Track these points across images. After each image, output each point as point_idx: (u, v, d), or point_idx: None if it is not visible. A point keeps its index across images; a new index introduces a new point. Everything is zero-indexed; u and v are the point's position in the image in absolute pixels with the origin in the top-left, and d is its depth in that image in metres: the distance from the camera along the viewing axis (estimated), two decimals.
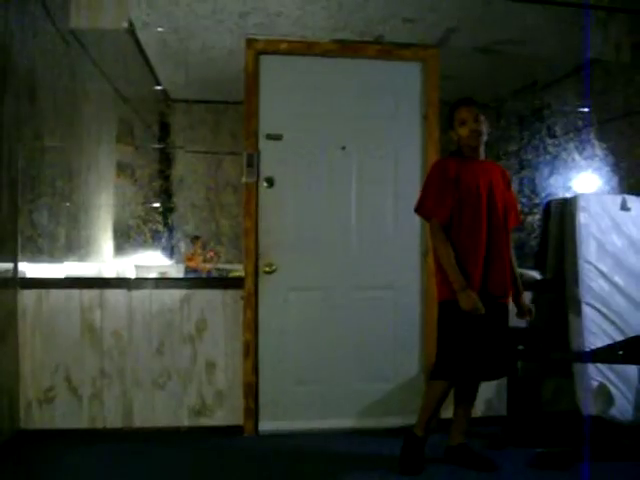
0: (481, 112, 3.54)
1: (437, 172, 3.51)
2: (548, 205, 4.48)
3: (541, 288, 4.41)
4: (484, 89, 4.43)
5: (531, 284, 4.39)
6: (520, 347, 4.02)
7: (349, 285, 4.25)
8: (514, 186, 4.38)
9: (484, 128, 3.52)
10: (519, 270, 3.75)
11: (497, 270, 3.45)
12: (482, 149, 3.55)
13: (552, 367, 4.40)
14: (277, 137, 4.16)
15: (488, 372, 3.51)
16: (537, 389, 4.38)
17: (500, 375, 3.64)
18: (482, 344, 3.41)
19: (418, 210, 3.56)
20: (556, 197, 4.48)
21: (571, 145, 4.53)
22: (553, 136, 4.50)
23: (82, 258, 4.13)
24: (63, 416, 4.04)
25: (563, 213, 4.38)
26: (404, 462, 3.50)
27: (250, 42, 4.13)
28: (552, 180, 4.50)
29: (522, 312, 3.65)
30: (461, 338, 3.41)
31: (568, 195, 4.46)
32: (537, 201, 4.48)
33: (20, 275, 4.00)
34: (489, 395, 4.31)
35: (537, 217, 4.47)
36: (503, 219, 3.50)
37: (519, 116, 4.49)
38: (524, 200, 4.44)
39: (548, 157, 4.50)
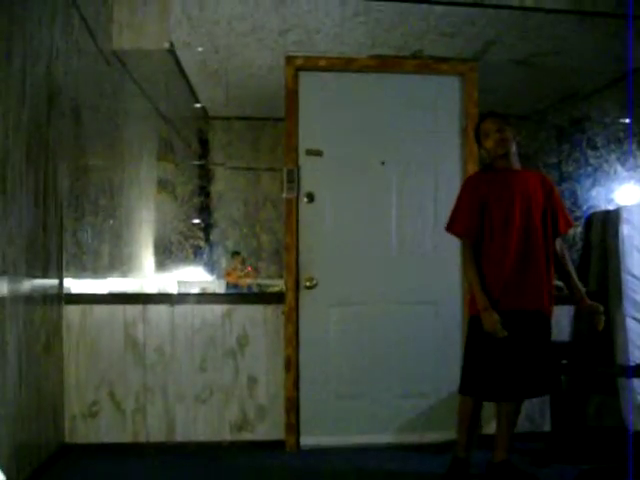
0: (506, 123, 3.49)
1: (465, 189, 3.53)
2: (590, 217, 4.43)
3: None
4: (523, 102, 4.43)
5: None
6: (564, 362, 3.98)
7: (390, 300, 4.24)
8: None
9: (510, 136, 3.48)
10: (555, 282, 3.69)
11: (532, 284, 3.38)
12: (514, 159, 3.51)
13: (596, 382, 4.33)
14: (317, 152, 4.18)
15: (519, 390, 3.42)
16: (581, 405, 4.31)
17: (537, 392, 3.55)
18: (508, 362, 3.35)
19: (448, 229, 3.58)
20: (598, 209, 4.43)
21: (613, 156, 4.48)
22: (594, 148, 4.45)
23: (125, 274, 4.19)
24: (107, 430, 4.08)
25: (605, 225, 4.33)
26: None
27: (289, 59, 4.17)
28: (594, 192, 4.45)
29: (592, 314, 3.54)
30: (485, 354, 3.38)
31: (610, 207, 4.41)
32: (579, 213, 4.43)
33: (65, 291, 4.07)
34: (532, 411, 4.26)
35: (579, 230, 4.42)
36: (542, 229, 3.44)
37: (559, 128, 4.46)
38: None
39: (589, 169, 4.45)
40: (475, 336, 3.43)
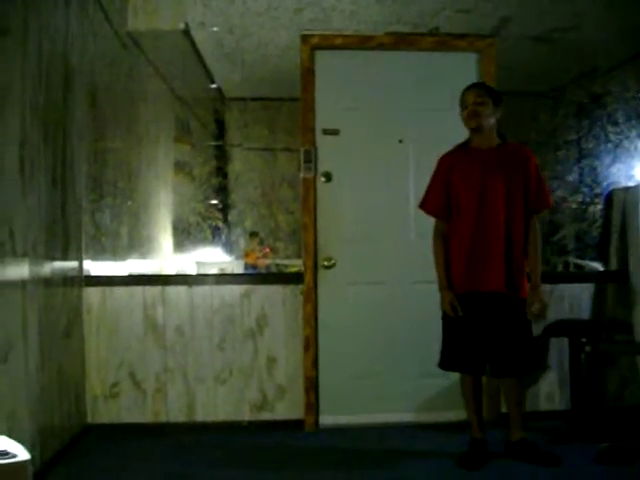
0: (488, 96, 3.45)
1: (437, 168, 3.60)
2: (610, 194, 4.38)
3: (604, 280, 4.33)
4: (541, 78, 4.37)
5: (593, 275, 4.32)
6: (583, 340, 3.96)
7: (408, 279, 4.23)
8: (574, 176, 4.33)
9: (485, 110, 3.42)
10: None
11: (490, 266, 3.39)
12: (491, 134, 3.47)
13: (616, 360, 4.31)
14: (334, 132, 4.17)
15: (495, 368, 3.51)
16: (601, 383, 4.29)
17: (512, 371, 3.50)
18: (470, 340, 3.43)
19: (421, 206, 3.66)
20: (618, 186, 4.38)
21: (633, 133, 4.41)
22: (615, 124, 4.39)
23: (143, 256, 4.21)
24: (128, 411, 4.12)
25: (626, 202, 4.28)
26: (462, 461, 3.48)
27: (305, 38, 4.14)
28: (614, 169, 4.39)
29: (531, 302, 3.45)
30: (452, 331, 3.51)
31: (631, 184, 4.36)
32: (598, 190, 4.38)
33: (85, 273, 4.09)
34: (552, 389, 4.25)
35: (599, 207, 4.38)
36: (510, 209, 3.39)
37: (578, 104, 4.40)
38: (585, 190, 4.35)
39: (609, 145, 4.39)
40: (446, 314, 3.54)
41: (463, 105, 3.49)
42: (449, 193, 3.51)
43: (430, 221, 3.62)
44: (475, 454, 3.50)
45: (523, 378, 3.65)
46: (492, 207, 3.39)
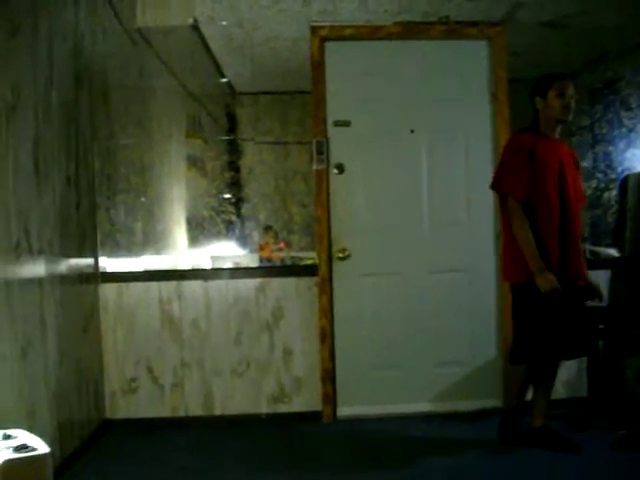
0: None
1: (512, 147, 3.45)
2: (625, 180, 4.35)
3: (619, 266, 4.30)
4: (553, 64, 4.32)
5: (609, 262, 4.29)
6: (601, 326, 3.94)
7: (423, 269, 4.22)
8: (588, 162, 4.30)
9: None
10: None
11: (574, 250, 3.40)
12: (561, 127, 3.51)
13: (634, 347, 4.28)
14: (345, 123, 4.16)
15: (568, 351, 3.46)
16: (619, 369, 4.27)
17: (580, 354, 3.61)
18: (562, 324, 3.35)
19: (495, 187, 3.50)
20: (633, 171, 4.34)
21: None
22: (628, 109, 4.36)
23: (158, 251, 4.23)
24: (146, 405, 4.15)
25: None
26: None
27: (314, 29, 4.13)
28: (629, 154, 4.36)
29: (592, 292, 3.55)
30: (541, 320, 3.36)
31: None
32: (613, 176, 4.35)
33: (101, 270, 4.12)
34: (569, 377, 4.23)
35: (614, 193, 4.35)
36: (574, 199, 3.45)
37: (591, 90, 4.37)
38: (600, 175, 4.33)
39: (623, 130, 4.36)
40: (527, 303, 3.41)
41: (557, 91, 3.42)
42: (530, 173, 3.37)
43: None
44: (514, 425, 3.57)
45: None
46: (569, 195, 3.40)
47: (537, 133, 3.47)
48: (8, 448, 2.06)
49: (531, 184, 3.37)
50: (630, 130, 4.37)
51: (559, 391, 4.20)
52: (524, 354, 3.44)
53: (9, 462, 1.98)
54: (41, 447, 2.08)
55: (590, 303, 3.59)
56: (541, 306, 3.33)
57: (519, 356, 3.46)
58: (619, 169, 4.36)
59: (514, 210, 3.38)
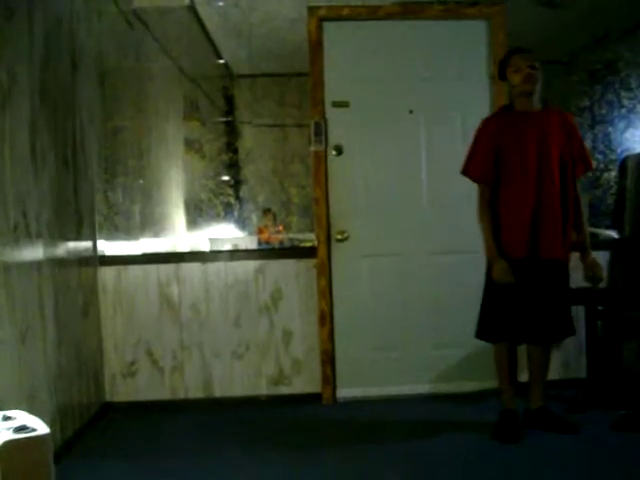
0: (536, 60, 3.39)
1: (478, 133, 3.49)
2: (624, 161, 4.33)
3: (619, 247, 4.29)
4: (553, 44, 4.30)
5: (608, 243, 4.28)
6: (599, 308, 3.94)
7: (421, 250, 4.22)
8: (588, 142, 4.27)
9: (539, 75, 3.39)
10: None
11: (548, 230, 3.35)
12: (536, 99, 3.42)
13: (632, 328, 4.29)
14: (343, 104, 4.14)
15: (536, 334, 3.43)
16: (617, 350, 4.27)
17: (554, 337, 3.54)
18: (520, 307, 3.37)
19: (464, 172, 3.54)
20: (633, 152, 4.32)
21: None
22: (628, 89, 4.33)
23: (157, 234, 4.22)
24: (146, 388, 4.16)
25: None
26: (498, 434, 3.44)
27: (312, 9, 4.10)
28: (628, 135, 4.34)
29: (586, 274, 3.52)
30: (498, 299, 3.41)
31: None
32: (613, 157, 4.33)
33: (99, 253, 4.11)
34: (568, 358, 4.24)
35: (613, 174, 4.33)
36: (561, 173, 3.38)
37: (591, 70, 4.34)
38: (599, 156, 4.30)
39: (623, 111, 4.34)
40: (489, 281, 3.47)
41: (514, 67, 3.40)
42: (498, 158, 3.40)
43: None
44: (510, 426, 3.44)
45: (551, 347, 3.61)
46: (549, 171, 3.35)
47: (510, 112, 3.46)
48: (8, 429, 2.06)
49: (499, 167, 3.39)
50: (630, 111, 4.34)
51: (557, 372, 4.22)
52: (483, 332, 3.51)
53: (9, 443, 1.98)
54: (41, 428, 2.08)
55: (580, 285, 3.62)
56: (493, 288, 3.42)
57: (479, 332, 3.53)
58: (619, 150, 4.34)
59: (479, 195, 3.48)
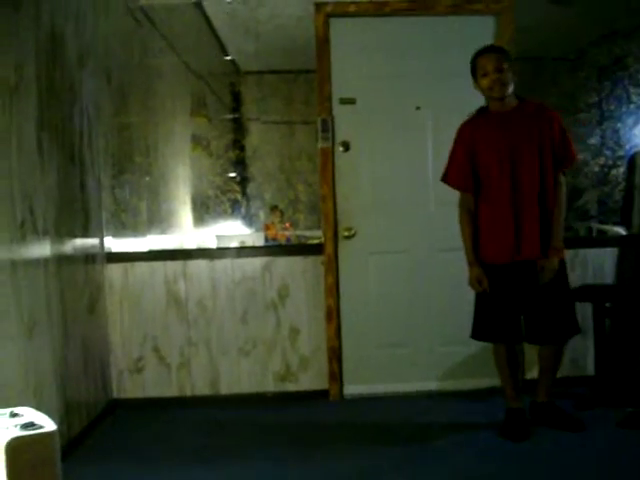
0: (505, 59, 3.30)
1: (457, 139, 3.46)
2: (633, 157, 4.30)
3: (627, 244, 4.27)
4: (561, 40, 4.29)
5: (616, 240, 4.26)
6: (607, 304, 3.92)
7: (428, 247, 4.22)
8: (596, 139, 4.25)
9: (508, 78, 3.29)
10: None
11: (527, 232, 3.29)
12: (509, 97, 3.34)
13: None
14: (350, 101, 4.13)
15: (538, 335, 3.40)
16: (626, 347, 4.26)
17: (557, 338, 3.44)
18: (511, 310, 3.36)
19: (443, 180, 3.54)
20: None
21: None
22: (637, 85, 4.30)
23: (164, 231, 4.22)
24: (153, 385, 4.16)
25: None
26: (505, 433, 3.42)
27: (319, 6, 4.08)
28: (637, 131, 4.31)
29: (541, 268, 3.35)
30: (488, 302, 3.40)
31: None
32: (621, 153, 4.31)
33: (106, 250, 4.11)
34: (576, 355, 4.22)
35: (621, 170, 4.31)
36: (540, 168, 3.29)
37: (599, 66, 4.31)
38: (608, 152, 4.28)
39: (632, 107, 4.31)
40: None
41: (481, 72, 3.33)
42: (475, 163, 3.38)
43: (449, 188, 3.57)
44: (516, 424, 3.43)
45: (564, 344, 3.53)
46: (526, 170, 3.29)
47: (484, 114, 3.42)
48: (15, 426, 2.05)
49: (480, 173, 3.38)
50: (638, 107, 4.31)
51: (566, 369, 4.19)
52: (475, 331, 3.50)
53: (16, 439, 1.98)
54: (48, 425, 2.08)
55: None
56: (482, 292, 3.40)
57: (472, 332, 3.51)
58: (627, 146, 4.31)
59: (459, 202, 3.47)
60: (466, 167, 3.40)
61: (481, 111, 3.47)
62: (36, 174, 3.13)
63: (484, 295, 3.41)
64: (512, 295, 3.36)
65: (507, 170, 3.30)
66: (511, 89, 3.33)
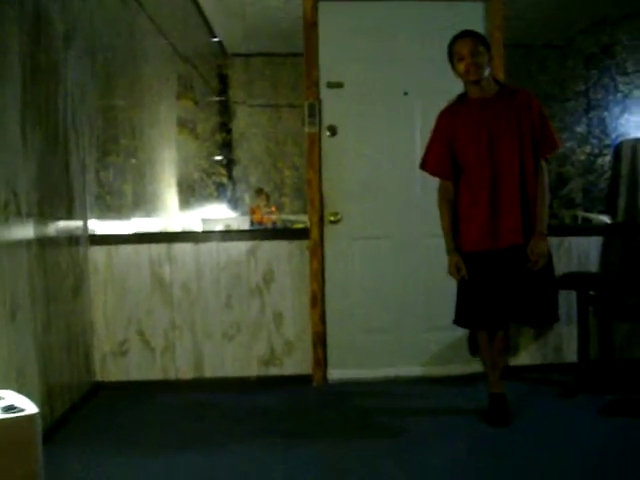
0: (481, 44, 3.27)
1: (436, 126, 3.46)
2: (619, 146, 4.32)
3: (612, 232, 4.29)
4: (550, 28, 4.29)
5: (601, 228, 4.29)
6: (591, 292, 3.95)
7: (414, 233, 4.21)
8: (582, 127, 4.27)
9: (483, 61, 3.26)
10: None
11: (506, 218, 3.27)
12: (488, 83, 3.32)
13: (625, 313, 4.30)
14: (338, 85, 4.10)
15: (517, 318, 3.43)
16: (609, 336, 4.29)
17: (536, 322, 3.54)
18: (492, 296, 3.33)
19: (421, 167, 3.54)
20: (628, 137, 4.32)
21: None
22: (624, 73, 4.31)
23: (149, 213, 4.20)
24: (137, 368, 4.15)
25: (635, 154, 4.22)
26: (488, 417, 3.44)
27: None
28: (623, 120, 4.33)
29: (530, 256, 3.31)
30: (469, 290, 3.41)
31: None
32: (607, 142, 4.33)
33: (90, 232, 4.08)
34: (559, 342, 4.25)
35: (607, 158, 4.33)
36: (519, 157, 3.27)
37: (587, 54, 4.32)
38: (594, 141, 4.30)
39: (619, 96, 4.32)
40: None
41: (457, 56, 3.30)
42: (454, 150, 3.37)
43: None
44: (499, 409, 3.44)
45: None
46: (505, 157, 3.26)
47: (463, 101, 3.40)
48: None
49: (456, 159, 3.38)
50: (625, 96, 4.33)
51: (549, 356, 4.23)
52: (457, 318, 3.50)
53: None
54: (30, 407, 2.07)
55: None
56: (463, 279, 3.41)
57: (455, 319, 3.51)
58: (613, 135, 4.33)
59: (438, 189, 3.49)
60: (444, 154, 3.40)
61: (460, 98, 3.45)
62: (19, 156, 3.09)
63: (465, 282, 3.41)
64: (494, 282, 3.34)
65: (486, 156, 3.28)
66: (487, 72, 3.30)
